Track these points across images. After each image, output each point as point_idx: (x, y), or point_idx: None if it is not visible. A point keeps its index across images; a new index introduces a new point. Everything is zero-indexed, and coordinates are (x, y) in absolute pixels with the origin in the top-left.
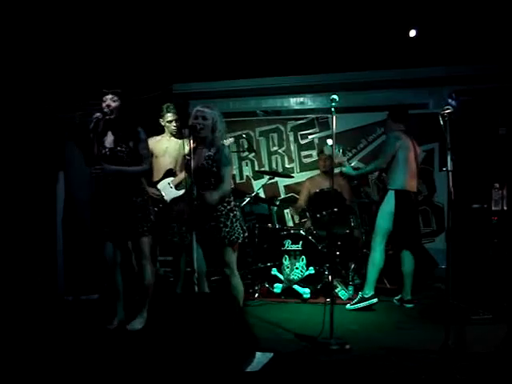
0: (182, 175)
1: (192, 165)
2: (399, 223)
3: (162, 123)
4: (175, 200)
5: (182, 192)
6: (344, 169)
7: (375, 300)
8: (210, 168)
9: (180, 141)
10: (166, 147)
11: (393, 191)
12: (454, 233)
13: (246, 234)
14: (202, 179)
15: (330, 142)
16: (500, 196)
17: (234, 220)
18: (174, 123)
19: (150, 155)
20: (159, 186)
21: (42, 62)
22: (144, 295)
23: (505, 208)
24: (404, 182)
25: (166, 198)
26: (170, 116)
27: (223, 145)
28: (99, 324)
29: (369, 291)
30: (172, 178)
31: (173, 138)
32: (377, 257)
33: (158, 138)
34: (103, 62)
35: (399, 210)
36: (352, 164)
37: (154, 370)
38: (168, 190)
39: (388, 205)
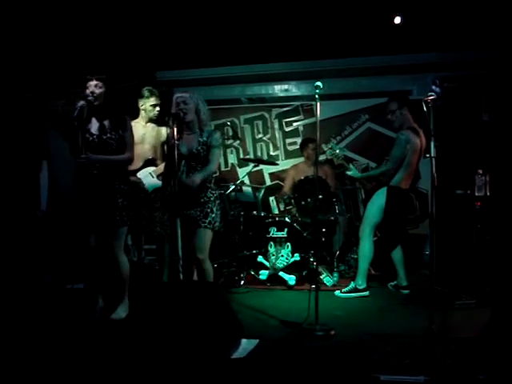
0: (163, 165)
1: (182, 151)
2: (388, 218)
3: (142, 107)
4: (156, 190)
5: None
6: (350, 172)
7: (367, 293)
8: (205, 154)
9: (157, 127)
10: (143, 134)
11: (386, 187)
12: (437, 219)
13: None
14: (194, 165)
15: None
16: (483, 182)
17: (219, 208)
18: (157, 108)
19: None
20: (140, 175)
21: (23, 51)
22: (122, 285)
23: (488, 194)
24: (400, 181)
25: (146, 187)
26: (154, 100)
27: (214, 130)
28: (83, 313)
29: (362, 282)
30: (154, 168)
31: (149, 123)
32: (366, 248)
33: (132, 123)
34: (86, 50)
35: (390, 205)
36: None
37: (140, 358)
38: (149, 179)
39: (379, 199)
